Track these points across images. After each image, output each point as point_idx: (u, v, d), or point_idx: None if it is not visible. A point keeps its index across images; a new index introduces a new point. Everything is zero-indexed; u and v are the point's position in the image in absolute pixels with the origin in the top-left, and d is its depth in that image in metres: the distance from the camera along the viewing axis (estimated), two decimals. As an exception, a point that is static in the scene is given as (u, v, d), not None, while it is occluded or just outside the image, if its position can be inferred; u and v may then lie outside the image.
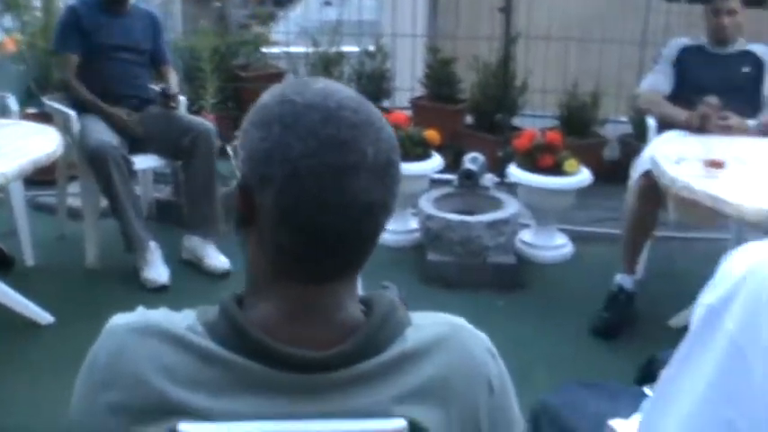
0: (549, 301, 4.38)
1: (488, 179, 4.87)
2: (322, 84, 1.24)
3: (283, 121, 1.18)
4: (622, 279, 4.13)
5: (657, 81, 4.59)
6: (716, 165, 3.42)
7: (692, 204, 3.32)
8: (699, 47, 4.58)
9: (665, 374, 1.59)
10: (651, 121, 4.64)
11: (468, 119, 6.38)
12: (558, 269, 4.77)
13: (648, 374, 1.78)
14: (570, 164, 4.69)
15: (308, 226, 1.18)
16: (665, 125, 4.39)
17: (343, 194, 1.17)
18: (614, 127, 6.28)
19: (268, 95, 1.24)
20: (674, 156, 3.55)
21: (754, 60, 4.47)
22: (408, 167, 4.62)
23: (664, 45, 4.74)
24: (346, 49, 6.59)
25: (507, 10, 5.69)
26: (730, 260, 1.52)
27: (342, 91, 1.23)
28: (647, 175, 3.84)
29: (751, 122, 4.18)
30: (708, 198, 3.17)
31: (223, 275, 4.38)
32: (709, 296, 1.51)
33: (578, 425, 2.10)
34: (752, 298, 1.45)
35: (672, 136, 4.04)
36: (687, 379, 1.52)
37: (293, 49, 6.70)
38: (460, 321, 1.36)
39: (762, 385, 1.43)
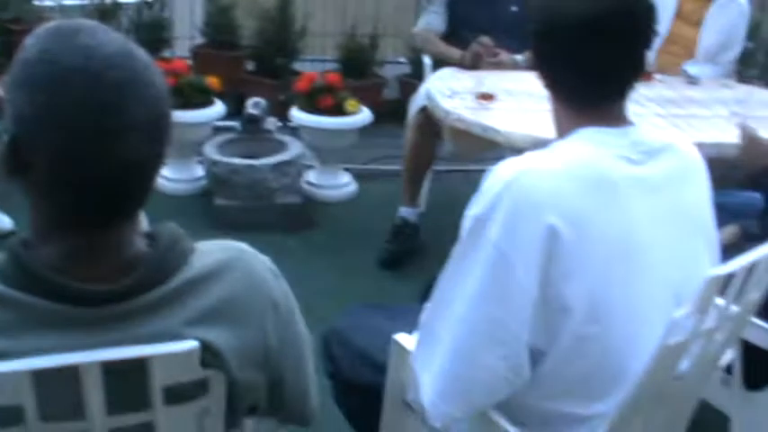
0: (338, 237, 4.50)
1: (271, 123, 4.89)
2: (86, 37, 1.21)
3: (46, 86, 1.18)
4: (405, 212, 4.30)
5: (432, 21, 4.69)
6: (487, 97, 3.58)
7: (466, 135, 3.46)
8: (470, -13, 4.74)
9: (439, 283, 1.71)
10: (427, 60, 4.79)
11: (250, 65, 6.37)
12: (344, 207, 4.90)
13: (428, 294, 1.89)
14: (350, 104, 4.80)
15: (79, 185, 1.20)
16: (441, 63, 4.54)
17: (112, 155, 1.19)
18: (393, 67, 6.42)
19: (28, 50, 1.21)
20: (448, 90, 3.69)
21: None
22: (190, 115, 4.57)
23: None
24: (123, -1, 6.43)
25: (283, -47, 5.71)
26: (492, 174, 1.64)
27: (108, 44, 1.21)
28: (424, 110, 3.98)
29: (519, 57, 4.37)
30: (480, 128, 3.31)
31: (6, 236, 4.24)
32: (474, 208, 1.64)
33: (366, 343, 2.20)
34: (512, 206, 1.58)
35: (446, 73, 4.18)
36: (459, 285, 1.65)
37: (67, 1, 6.46)
38: (243, 246, 1.42)
39: (523, 285, 1.57)
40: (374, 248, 4.24)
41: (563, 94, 1.78)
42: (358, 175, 5.13)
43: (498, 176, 1.63)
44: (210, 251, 1.37)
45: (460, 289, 1.64)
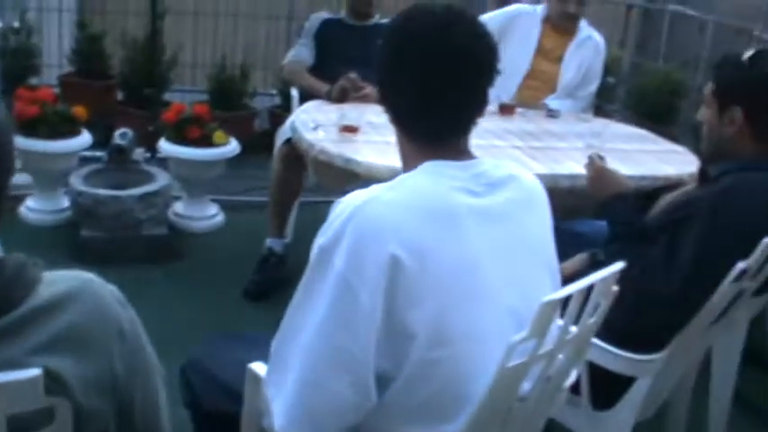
0: (204, 269, 4.50)
1: (138, 154, 4.86)
2: None
3: None
4: (272, 242, 4.32)
5: (301, 53, 4.76)
6: (350, 130, 3.64)
7: (329, 167, 3.50)
8: (339, 20, 4.82)
9: (289, 311, 1.75)
10: (294, 92, 4.84)
11: (120, 95, 6.33)
12: (211, 238, 4.90)
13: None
14: (218, 135, 4.81)
15: None
16: (309, 96, 4.58)
17: None
18: (264, 99, 6.48)
19: None
20: (312, 122, 3.73)
21: (388, 33, 4.74)
22: (56, 145, 4.52)
23: (308, 19, 4.94)
24: (-12, 24, 6.30)
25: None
26: (338, 205, 1.70)
27: None
28: (289, 141, 4.03)
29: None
30: (342, 160, 3.36)
31: None
32: (321, 238, 1.69)
33: (223, 371, 2.22)
34: (356, 236, 1.64)
35: (311, 105, 4.24)
36: (306, 313, 1.69)
37: (-72, 26, 6.31)
38: (90, 275, 1.44)
39: (368, 313, 1.62)
40: (241, 279, 4.25)
41: (407, 129, 1.85)
42: (226, 206, 5.14)
43: (343, 207, 1.69)
44: (58, 280, 1.38)
45: (308, 317, 1.68)
